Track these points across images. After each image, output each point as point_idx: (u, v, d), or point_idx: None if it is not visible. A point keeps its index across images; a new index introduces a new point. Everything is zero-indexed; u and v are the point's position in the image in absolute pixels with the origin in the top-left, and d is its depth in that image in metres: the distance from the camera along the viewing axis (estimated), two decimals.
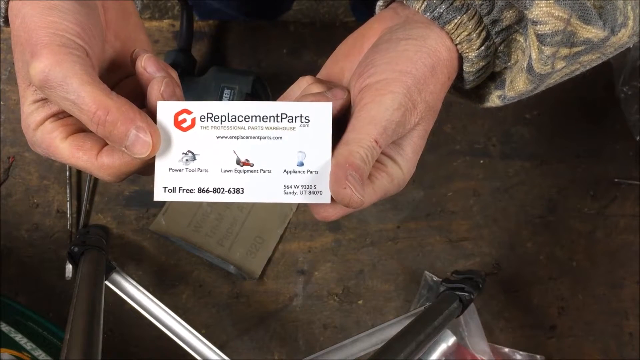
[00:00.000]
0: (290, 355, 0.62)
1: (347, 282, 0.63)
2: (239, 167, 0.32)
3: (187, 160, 0.32)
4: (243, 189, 0.32)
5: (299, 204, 0.63)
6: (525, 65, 0.35)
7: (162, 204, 0.62)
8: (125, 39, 0.35)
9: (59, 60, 0.29)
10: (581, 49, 0.34)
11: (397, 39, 0.34)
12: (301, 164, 0.33)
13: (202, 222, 0.62)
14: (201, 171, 0.32)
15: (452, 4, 0.33)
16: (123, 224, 0.63)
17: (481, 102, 0.41)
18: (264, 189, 0.32)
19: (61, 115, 0.32)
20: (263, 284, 0.62)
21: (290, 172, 0.32)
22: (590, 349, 0.63)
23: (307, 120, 0.32)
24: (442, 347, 0.54)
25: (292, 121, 0.32)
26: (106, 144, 0.31)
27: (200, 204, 0.62)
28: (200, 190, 0.32)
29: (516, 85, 0.36)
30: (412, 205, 0.64)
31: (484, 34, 0.34)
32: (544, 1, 0.31)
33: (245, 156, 0.32)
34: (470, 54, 0.35)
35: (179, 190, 0.32)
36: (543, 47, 0.33)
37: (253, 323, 0.62)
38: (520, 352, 0.61)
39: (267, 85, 0.58)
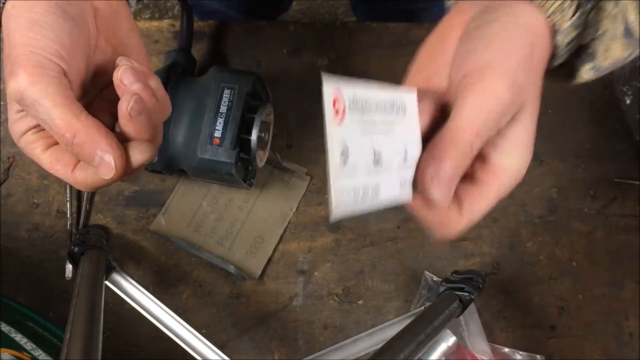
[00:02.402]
0: (290, 355, 0.62)
1: (347, 282, 0.63)
2: (374, 166, 0.28)
3: (344, 161, 0.27)
4: (378, 191, 0.27)
5: (299, 204, 0.63)
6: (621, 31, 0.33)
7: (161, 204, 0.62)
8: (116, 43, 0.36)
9: (33, 81, 0.30)
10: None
11: (487, 22, 0.32)
12: (405, 159, 0.30)
13: (202, 222, 0.62)
14: (352, 176, 0.27)
15: None
16: (123, 224, 0.63)
17: (571, 79, 0.38)
18: (388, 188, 0.29)
19: (41, 127, 0.33)
20: (263, 284, 0.62)
21: (401, 167, 0.29)
22: (590, 349, 0.63)
23: (404, 111, 0.29)
24: (442, 347, 0.54)
25: (398, 111, 0.29)
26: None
27: (200, 204, 0.62)
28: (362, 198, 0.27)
29: (613, 53, 0.34)
30: None
31: (575, 1, 0.31)
32: None
33: (377, 150, 0.28)
34: (563, 24, 0.32)
35: (354, 200, 0.27)
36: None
37: (253, 323, 0.62)
38: (520, 352, 0.61)
39: (267, 85, 0.58)
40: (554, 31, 0.33)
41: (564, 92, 0.65)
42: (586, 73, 0.36)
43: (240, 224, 0.63)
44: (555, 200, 0.64)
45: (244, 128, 0.53)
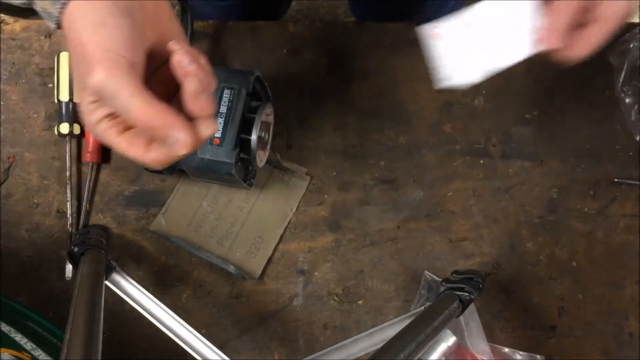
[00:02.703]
0: (290, 355, 0.62)
1: (347, 282, 0.63)
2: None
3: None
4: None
5: (299, 204, 0.63)
6: None
7: (161, 204, 0.62)
8: (161, 31, 0.39)
9: (111, 75, 0.34)
10: None
11: None
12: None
13: (202, 222, 0.62)
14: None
15: None
16: (123, 224, 0.63)
17: None
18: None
19: (115, 114, 0.37)
20: (263, 284, 0.62)
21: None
22: (590, 349, 0.63)
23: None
24: (442, 347, 0.54)
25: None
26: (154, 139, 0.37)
27: (200, 204, 0.62)
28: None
29: None
30: (412, 205, 0.64)
31: None
32: None
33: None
34: None
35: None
36: None
37: (253, 323, 0.62)
38: (520, 352, 0.61)
39: (267, 85, 0.58)
40: None
41: (564, 92, 0.66)
42: None
43: (240, 224, 0.63)
44: (556, 200, 0.64)
45: (244, 128, 0.53)
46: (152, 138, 0.37)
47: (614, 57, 0.65)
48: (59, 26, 0.38)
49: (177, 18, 0.41)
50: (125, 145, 0.37)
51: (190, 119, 0.37)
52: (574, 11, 0.44)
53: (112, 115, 0.37)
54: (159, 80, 0.40)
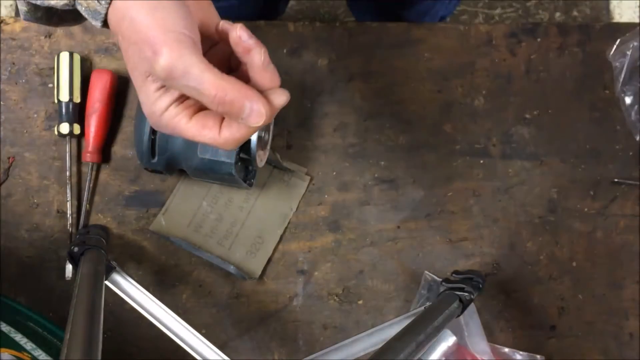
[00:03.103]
0: (290, 355, 0.62)
1: (347, 282, 0.63)
2: None
3: None
4: None
5: (299, 204, 0.63)
6: None
7: (162, 204, 0.62)
8: (202, 16, 0.39)
9: (179, 55, 0.33)
10: None
11: None
12: None
13: (202, 222, 0.62)
14: None
15: None
16: (123, 224, 0.63)
17: None
18: None
19: (182, 99, 0.37)
20: (263, 284, 0.62)
21: None
22: (591, 349, 0.63)
23: None
24: (442, 347, 0.54)
25: None
26: (224, 119, 0.37)
27: (200, 204, 0.62)
28: None
29: None
30: (412, 205, 0.64)
31: None
32: None
33: None
34: None
35: None
36: None
37: (253, 323, 0.62)
38: (520, 352, 0.61)
39: None
40: None
41: (563, 93, 0.66)
42: None
43: (240, 224, 0.63)
44: (556, 200, 0.64)
45: None
46: (226, 115, 0.36)
47: (614, 57, 0.65)
48: (104, 24, 0.37)
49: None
50: (197, 129, 0.37)
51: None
52: None
53: (179, 100, 0.37)
54: (211, 60, 0.38)
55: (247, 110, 0.35)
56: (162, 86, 0.36)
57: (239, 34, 0.36)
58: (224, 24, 0.37)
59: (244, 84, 0.35)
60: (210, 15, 0.40)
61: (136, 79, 0.36)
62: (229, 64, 0.41)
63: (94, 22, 0.37)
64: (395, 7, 0.89)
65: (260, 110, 0.35)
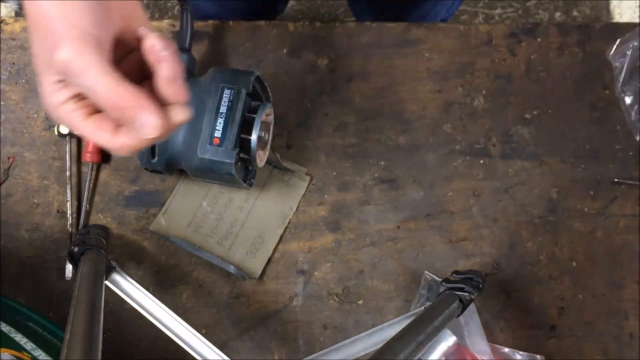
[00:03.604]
0: (290, 355, 0.62)
1: (347, 282, 0.63)
2: None
3: None
4: None
5: (299, 204, 0.63)
6: None
7: (161, 204, 0.62)
8: (126, 17, 0.38)
9: (78, 52, 0.33)
10: None
11: None
12: None
13: (202, 222, 0.62)
14: None
15: None
16: (123, 224, 0.63)
17: None
18: None
19: (82, 95, 0.35)
20: (263, 284, 0.62)
21: None
22: (590, 349, 0.63)
23: None
24: (442, 347, 0.54)
25: None
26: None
27: (200, 204, 0.62)
28: None
29: None
30: (412, 205, 0.64)
31: None
32: None
33: None
34: None
35: None
36: None
37: (253, 323, 0.62)
38: (520, 352, 0.61)
39: (267, 85, 0.58)
40: None
41: (564, 92, 0.66)
42: None
43: (240, 224, 0.63)
44: (555, 200, 0.64)
45: (244, 128, 0.53)
46: (120, 122, 0.35)
47: (614, 57, 0.65)
48: (21, 7, 0.36)
49: (140, 3, 0.40)
50: (91, 130, 0.36)
51: (162, 105, 0.36)
52: None
53: (78, 97, 0.35)
54: (124, 69, 0.37)
55: (142, 120, 0.34)
56: (62, 80, 0.35)
57: (152, 43, 0.36)
58: (142, 30, 0.37)
59: (143, 93, 0.34)
60: (135, 17, 0.38)
61: (38, 66, 0.35)
62: (144, 70, 0.39)
63: (10, 4, 0.37)
64: (395, 9, 0.89)
65: (153, 123, 0.34)
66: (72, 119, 0.36)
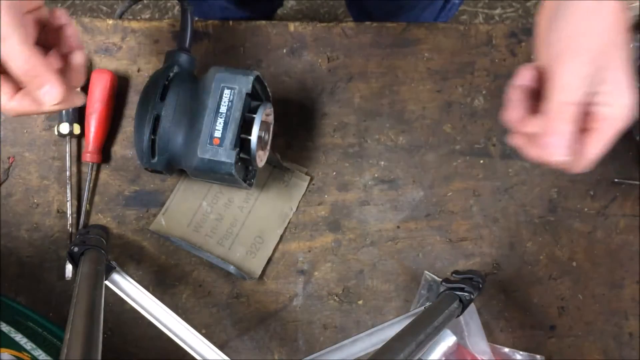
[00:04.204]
0: (290, 355, 0.62)
1: (347, 282, 0.63)
2: None
3: None
4: None
5: (299, 204, 0.63)
6: None
7: (161, 204, 0.62)
8: None
9: (7, 20, 0.36)
10: None
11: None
12: None
13: (202, 222, 0.62)
14: None
15: None
16: (123, 224, 0.63)
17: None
18: None
19: None
20: (263, 284, 0.62)
21: None
22: (590, 349, 0.63)
23: None
24: (442, 347, 0.55)
25: None
26: (19, 90, 0.40)
27: (200, 204, 0.62)
28: None
29: None
30: (412, 205, 0.64)
31: None
32: None
33: None
34: None
35: None
36: None
37: (253, 323, 0.62)
38: (520, 352, 0.61)
39: (267, 85, 0.58)
40: None
41: None
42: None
43: (240, 224, 0.63)
44: (555, 200, 0.64)
45: (244, 128, 0.53)
46: (25, 88, 0.39)
47: None
48: None
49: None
50: None
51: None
52: (577, 115, 0.40)
53: None
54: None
55: (46, 89, 0.39)
56: None
57: (73, 32, 0.42)
58: (63, 16, 0.42)
59: (52, 65, 0.40)
60: None
61: None
62: (43, 38, 0.43)
63: None
64: (392, 13, 0.89)
65: (56, 95, 0.39)
66: None
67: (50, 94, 0.39)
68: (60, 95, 0.39)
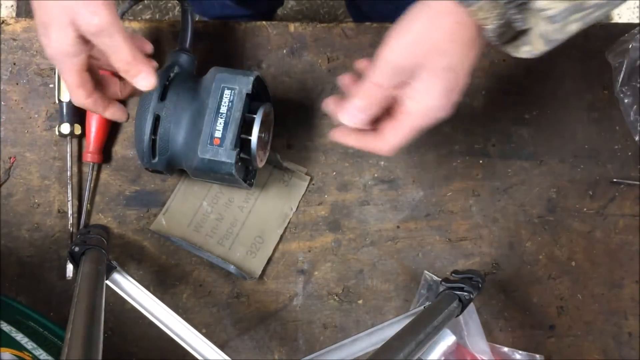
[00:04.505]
0: (290, 354, 0.62)
1: (347, 282, 0.63)
2: None
3: None
4: None
5: (299, 204, 0.63)
6: (540, 33, 0.41)
7: (162, 204, 0.63)
8: None
9: (112, 20, 0.44)
10: (591, 10, 0.40)
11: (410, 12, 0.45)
12: None
13: (202, 222, 0.62)
14: None
15: None
16: (124, 223, 0.63)
17: (515, 53, 0.46)
18: None
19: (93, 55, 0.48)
20: (263, 283, 0.63)
21: None
22: (590, 349, 0.63)
23: None
24: (442, 347, 0.55)
25: None
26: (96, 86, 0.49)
27: (200, 203, 0.63)
28: None
29: (538, 46, 0.43)
30: (412, 205, 0.64)
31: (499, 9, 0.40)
32: None
33: None
34: (487, 25, 0.42)
35: None
36: (552, 25, 0.40)
37: (253, 323, 0.62)
38: (520, 352, 0.61)
39: (267, 85, 0.58)
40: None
41: (563, 92, 0.66)
42: (532, 51, 0.44)
43: (241, 223, 0.63)
44: (555, 200, 0.64)
45: (244, 128, 0.54)
46: (124, 75, 0.47)
47: (613, 57, 0.65)
48: None
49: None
50: (78, 83, 0.47)
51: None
52: (382, 96, 0.45)
53: (92, 56, 0.48)
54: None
55: (143, 74, 0.47)
56: (81, 36, 0.44)
57: (150, 51, 0.52)
58: (148, 46, 0.53)
59: (145, 58, 0.47)
60: None
61: (54, 23, 0.44)
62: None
63: None
64: (389, 16, 0.89)
65: (150, 80, 0.47)
66: (69, 68, 0.46)
67: (146, 79, 0.47)
68: (153, 83, 0.47)
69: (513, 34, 0.43)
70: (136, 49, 0.46)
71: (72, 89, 0.48)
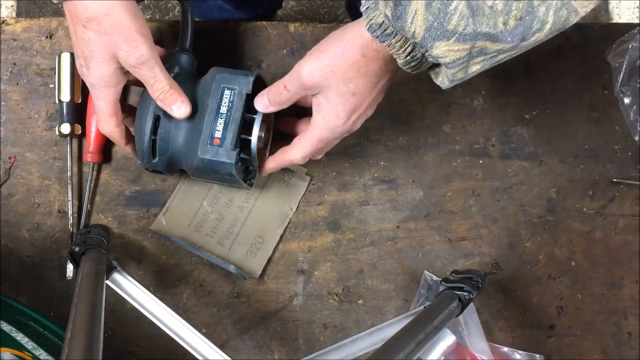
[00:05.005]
0: (290, 354, 0.62)
1: (347, 282, 0.63)
2: None
3: None
4: None
5: (299, 204, 0.63)
6: (445, 72, 0.44)
7: (162, 204, 0.63)
8: None
9: (153, 53, 0.49)
10: (494, 55, 0.42)
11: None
12: None
13: (202, 222, 0.63)
14: None
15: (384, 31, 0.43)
16: (124, 223, 0.63)
17: (435, 81, 0.49)
18: None
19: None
20: (263, 283, 0.63)
21: None
22: (589, 349, 0.63)
23: None
24: (442, 347, 0.55)
25: None
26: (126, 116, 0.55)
27: (200, 203, 0.63)
28: None
29: (445, 81, 0.46)
30: (412, 205, 0.64)
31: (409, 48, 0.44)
32: (443, 42, 0.40)
33: None
34: (400, 59, 0.45)
35: None
36: (449, 70, 0.43)
37: (253, 322, 0.62)
38: (520, 352, 0.61)
39: (267, 86, 0.58)
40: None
41: (563, 92, 0.66)
42: (442, 83, 0.47)
43: (241, 223, 0.63)
44: (554, 200, 0.64)
45: (244, 128, 0.54)
46: (161, 104, 0.51)
47: (613, 57, 0.65)
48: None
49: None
50: (111, 111, 0.51)
51: None
52: (287, 99, 0.50)
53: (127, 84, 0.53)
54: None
55: (179, 104, 0.51)
56: (122, 67, 0.49)
57: (160, 54, 0.54)
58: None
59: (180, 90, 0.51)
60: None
61: (95, 57, 0.48)
62: None
63: None
64: None
65: (186, 109, 0.51)
66: (107, 96, 0.51)
67: (181, 109, 0.51)
68: (188, 112, 0.51)
69: (429, 65, 0.47)
70: (172, 79, 0.50)
71: (104, 116, 0.52)
